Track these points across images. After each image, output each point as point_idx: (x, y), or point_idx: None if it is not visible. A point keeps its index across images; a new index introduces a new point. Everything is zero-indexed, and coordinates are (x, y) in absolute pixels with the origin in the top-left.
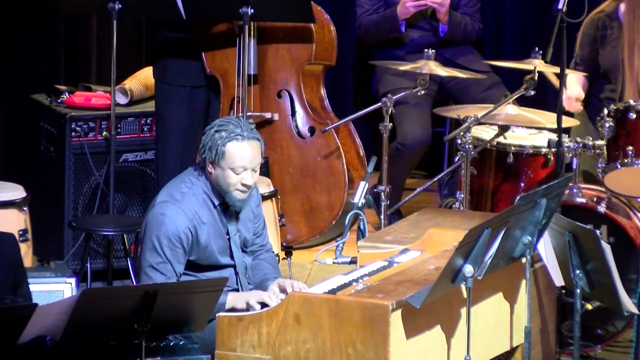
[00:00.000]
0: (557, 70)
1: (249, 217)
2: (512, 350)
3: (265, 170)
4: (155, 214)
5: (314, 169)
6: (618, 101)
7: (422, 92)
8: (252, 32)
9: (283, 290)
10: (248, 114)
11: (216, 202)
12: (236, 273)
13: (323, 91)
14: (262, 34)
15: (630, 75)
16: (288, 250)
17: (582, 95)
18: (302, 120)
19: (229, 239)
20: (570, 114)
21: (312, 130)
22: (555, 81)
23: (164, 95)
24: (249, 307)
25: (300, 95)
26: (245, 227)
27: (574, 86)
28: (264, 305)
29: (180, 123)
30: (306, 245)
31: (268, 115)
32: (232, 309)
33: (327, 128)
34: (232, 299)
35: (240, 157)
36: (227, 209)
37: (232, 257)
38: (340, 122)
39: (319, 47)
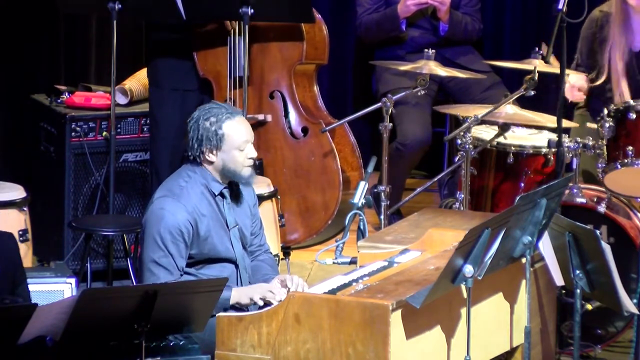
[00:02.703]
0: (557, 70)
1: (246, 214)
2: (512, 351)
3: (260, 171)
4: (155, 209)
5: (308, 169)
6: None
7: (422, 92)
8: (242, 33)
9: (284, 285)
10: None
11: (215, 192)
12: (237, 266)
13: (316, 90)
14: (252, 35)
15: (615, 78)
16: (286, 250)
17: (585, 85)
18: (295, 121)
19: (228, 231)
20: (571, 112)
21: (305, 130)
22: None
23: (156, 98)
24: (253, 302)
25: (293, 96)
26: (243, 222)
27: (577, 78)
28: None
29: (172, 126)
30: (305, 245)
31: (261, 116)
32: (237, 304)
33: (326, 128)
34: (236, 294)
35: (241, 133)
36: (225, 199)
37: (232, 249)
38: (340, 122)
39: (310, 47)
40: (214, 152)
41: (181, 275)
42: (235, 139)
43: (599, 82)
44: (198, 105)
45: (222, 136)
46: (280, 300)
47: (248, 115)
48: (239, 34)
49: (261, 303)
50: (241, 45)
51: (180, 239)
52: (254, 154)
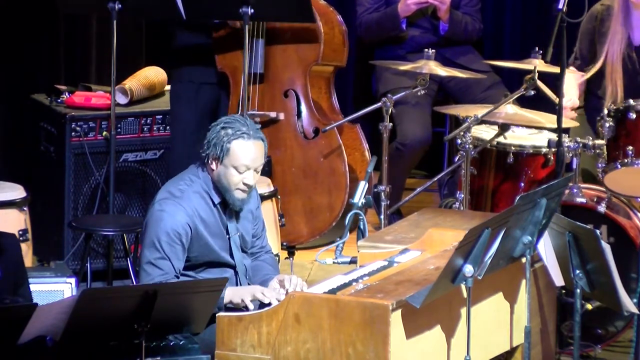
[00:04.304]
0: (557, 70)
1: (247, 219)
2: (512, 350)
3: (268, 169)
4: (155, 211)
5: (316, 170)
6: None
7: (422, 91)
8: (261, 32)
9: (282, 285)
10: (253, 112)
11: (216, 201)
12: (236, 273)
13: (333, 93)
14: (270, 34)
15: (610, 70)
16: (290, 250)
17: (577, 103)
18: (307, 121)
19: (228, 239)
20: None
21: (316, 131)
22: (552, 96)
23: (174, 92)
24: (244, 304)
25: (307, 96)
26: (244, 228)
27: (570, 92)
28: (261, 304)
29: (187, 120)
30: (307, 246)
31: (273, 114)
32: (230, 303)
33: (327, 128)
34: (229, 294)
35: (244, 155)
36: (227, 208)
37: (231, 256)
38: (340, 122)
39: (327, 48)
40: (216, 161)
41: (177, 277)
42: (236, 158)
43: (592, 73)
44: (214, 99)
45: (227, 150)
46: (278, 301)
47: (259, 112)
48: (256, 36)
49: (251, 306)
50: (258, 43)
51: (177, 241)
52: (251, 182)
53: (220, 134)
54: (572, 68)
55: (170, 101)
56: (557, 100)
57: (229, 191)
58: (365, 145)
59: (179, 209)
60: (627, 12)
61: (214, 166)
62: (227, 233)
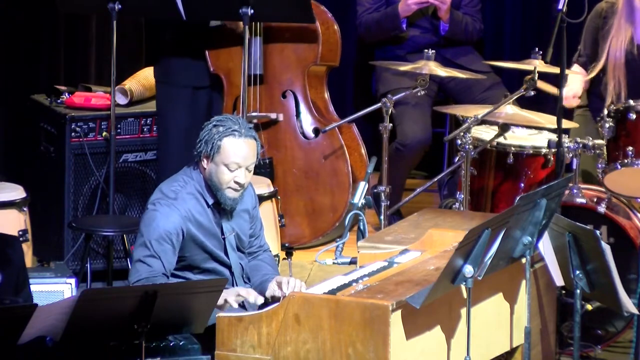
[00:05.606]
0: (557, 70)
1: (244, 218)
2: (512, 351)
3: (270, 170)
4: (149, 211)
5: (318, 171)
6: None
7: (422, 92)
8: (258, 32)
9: (280, 287)
10: (253, 114)
11: (209, 202)
12: (231, 273)
13: (327, 93)
14: (268, 34)
15: (611, 67)
16: (289, 250)
17: (579, 92)
18: (306, 121)
19: (224, 239)
20: (570, 114)
21: (316, 131)
22: (551, 90)
23: (166, 96)
24: (229, 305)
25: (305, 96)
26: (240, 227)
27: (573, 84)
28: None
29: (182, 124)
30: (306, 246)
31: (273, 115)
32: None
33: (327, 128)
34: None
35: (235, 153)
36: (221, 208)
37: (227, 257)
38: (340, 122)
39: (325, 48)
40: (207, 159)
41: (166, 275)
42: (227, 155)
43: (595, 72)
44: (208, 103)
45: (218, 148)
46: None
47: (259, 114)
48: (255, 34)
49: (235, 305)
50: (256, 44)
51: (168, 241)
52: (242, 181)
53: (212, 131)
54: (576, 66)
55: (159, 103)
56: (556, 92)
57: (220, 190)
58: (362, 145)
59: (173, 211)
60: (631, 8)
61: (205, 164)
62: (222, 234)
